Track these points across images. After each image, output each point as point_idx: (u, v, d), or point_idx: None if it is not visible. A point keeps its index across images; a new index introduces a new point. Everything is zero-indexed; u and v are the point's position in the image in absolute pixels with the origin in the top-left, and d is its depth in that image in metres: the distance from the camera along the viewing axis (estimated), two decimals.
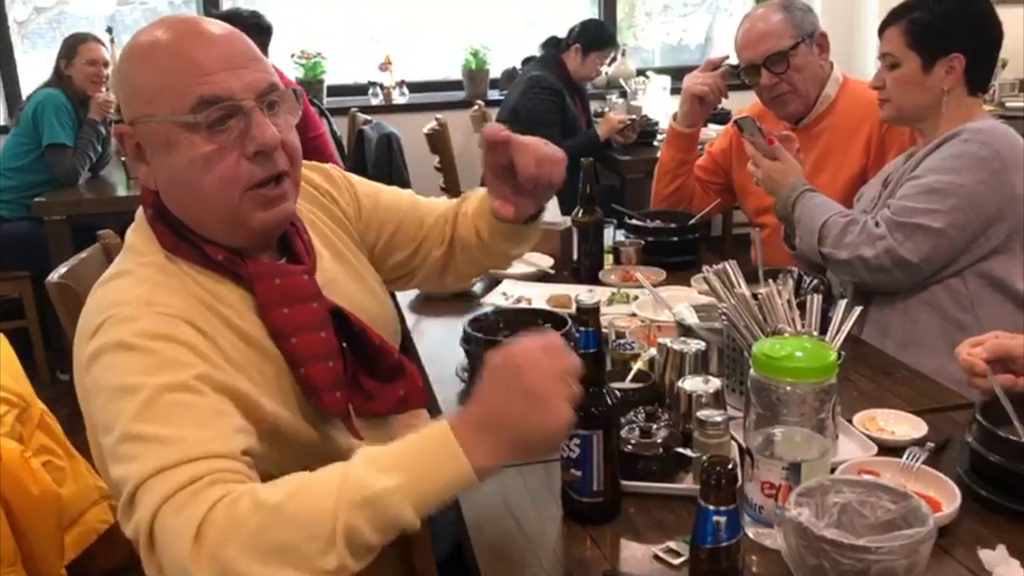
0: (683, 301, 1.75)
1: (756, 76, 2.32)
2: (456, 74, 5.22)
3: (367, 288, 1.44)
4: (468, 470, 0.97)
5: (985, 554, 1.10)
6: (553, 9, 5.28)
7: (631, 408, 1.37)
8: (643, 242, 2.28)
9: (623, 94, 4.89)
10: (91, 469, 1.91)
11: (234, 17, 3.71)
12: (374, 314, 1.39)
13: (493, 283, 2.14)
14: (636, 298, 1.98)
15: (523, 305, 1.99)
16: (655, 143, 4.14)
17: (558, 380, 0.99)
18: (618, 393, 1.37)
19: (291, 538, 0.92)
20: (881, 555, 0.96)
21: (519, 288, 2.11)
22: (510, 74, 4.95)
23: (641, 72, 5.09)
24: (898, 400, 1.54)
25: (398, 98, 5.06)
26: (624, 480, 1.24)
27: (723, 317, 1.50)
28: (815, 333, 1.39)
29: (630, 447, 1.28)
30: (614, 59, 4.84)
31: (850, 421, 1.41)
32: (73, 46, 3.96)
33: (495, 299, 2.04)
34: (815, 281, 1.74)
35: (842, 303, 1.42)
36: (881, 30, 1.95)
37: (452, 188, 4.28)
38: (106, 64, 4.00)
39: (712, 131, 3.59)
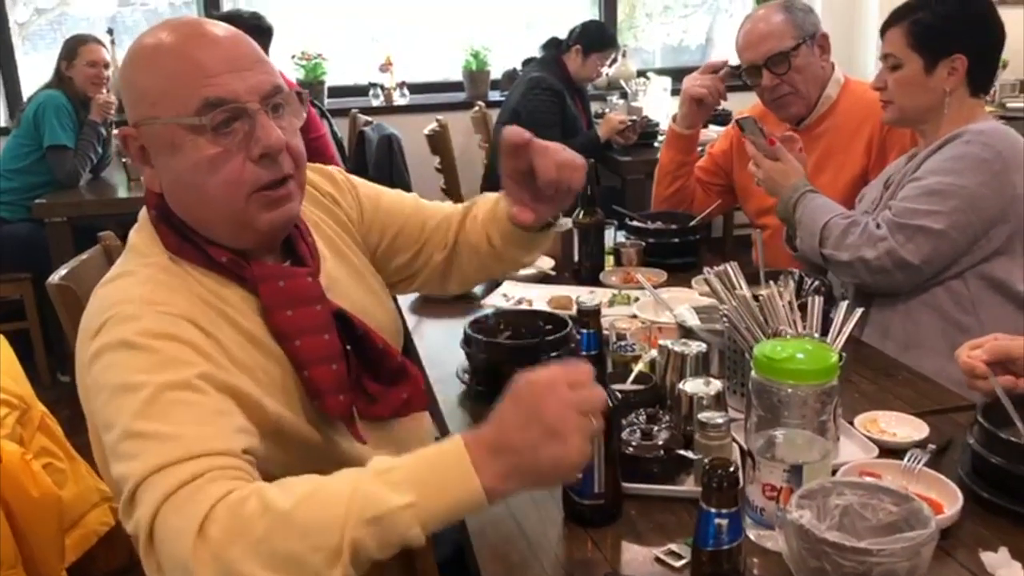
0: (684, 303, 1.75)
1: (757, 77, 2.31)
2: (457, 75, 5.22)
3: (370, 290, 1.44)
4: (479, 492, 0.95)
5: (987, 556, 1.10)
6: (553, 10, 5.28)
7: (632, 410, 1.36)
8: (644, 243, 2.28)
9: (624, 95, 4.89)
10: (92, 471, 1.91)
11: (234, 18, 3.71)
12: (377, 316, 1.38)
13: (494, 285, 2.14)
14: (637, 300, 1.98)
15: (524, 307, 1.99)
16: (656, 144, 4.14)
17: (578, 414, 0.97)
18: (619, 395, 1.37)
19: (298, 548, 0.92)
20: (883, 557, 0.95)
21: (520, 290, 2.11)
22: (511, 75, 4.95)
23: (642, 73, 5.10)
24: (899, 402, 1.54)
25: (399, 99, 5.06)
26: (625, 482, 1.24)
27: (724, 319, 1.49)
28: (816, 335, 1.39)
29: (631, 449, 1.28)
30: (615, 60, 4.84)
31: (851, 423, 1.41)
32: (74, 47, 3.96)
33: (496, 301, 2.04)
34: (816, 283, 1.74)
35: (843, 305, 1.42)
36: (883, 31, 1.95)
37: (453, 189, 4.29)
38: (107, 65, 4.00)
39: (713, 132, 3.59)
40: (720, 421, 1.27)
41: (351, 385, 1.26)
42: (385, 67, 5.04)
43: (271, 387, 1.18)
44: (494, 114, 4.55)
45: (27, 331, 3.82)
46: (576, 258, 2.24)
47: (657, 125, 4.27)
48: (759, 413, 1.20)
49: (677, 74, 4.08)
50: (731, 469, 0.98)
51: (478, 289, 2.11)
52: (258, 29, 3.58)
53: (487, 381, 1.62)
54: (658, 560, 1.14)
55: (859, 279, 1.89)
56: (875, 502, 1.07)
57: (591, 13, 5.32)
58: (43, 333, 3.86)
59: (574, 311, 1.61)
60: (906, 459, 1.27)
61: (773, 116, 2.39)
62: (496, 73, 5.17)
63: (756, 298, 1.45)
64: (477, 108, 4.66)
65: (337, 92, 4.99)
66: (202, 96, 1.12)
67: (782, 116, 2.37)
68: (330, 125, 4.12)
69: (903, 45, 1.89)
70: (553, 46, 4.33)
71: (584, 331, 1.26)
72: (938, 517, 1.07)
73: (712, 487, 0.98)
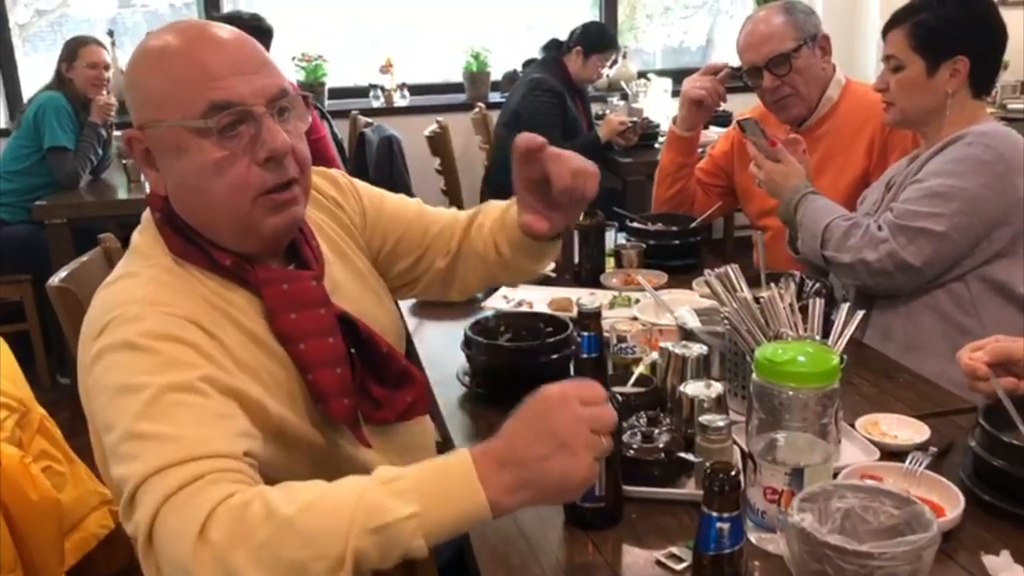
0: (685, 305, 1.74)
1: (758, 79, 2.31)
2: (457, 77, 5.22)
3: (373, 294, 1.44)
4: (484, 505, 0.95)
5: (989, 560, 1.09)
6: (554, 11, 5.29)
7: (633, 413, 1.36)
8: (644, 245, 2.28)
9: (624, 96, 4.90)
10: (91, 474, 1.91)
11: (235, 20, 3.71)
12: (380, 320, 1.38)
13: (494, 287, 2.13)
14: (638, 302, 1.98)
15: (524, 309, 1.99)
16: (656, 145, 4.14)
17: (588, 431, 0.97)
18: (620, 398, 1.37)
19: (301, 555, 0.91)
20: (884, 561, 0.95)
21: (520, 291, 2.10)
22: (511, 77, 4.95)
23: (642, 74, 5.10)
24: (901, 404, 1.53)
25: (399, 101, 5.06)
26: (626, 485, 1.24)
27: (725, 321, 1.49)
28: (817, 337, 1.39)
29: (632, 452, 1.28)
30: (615, 61, 4.84)
31: (852, 425, 1.41)
32: (74, 49, 3.96)
33: (496, 303, 2.04)
34: (817, 285, 1.74)
35: (844, 307, 1.42)
36: (885, 32, 1.94)
37: (453, 191, 4.29)
38: (107, 67, 4.00)
39: (713, 134, 3.58)
40: (721, 424, 1.26)
41: (356, 389, 1.26)
42: (385, 68, 5.04)
43: (275, 389, 1.17)
44: (494, 116, 4.56)
45: (27, 333, 3.82)
46: (576, 260, 2.24)
47: (658, 127, 4.27)
48: (760, 416, 1.20)
49: (678, 75, 4.07)
50: (732, 473, 0.98)
51: None
52: (258, 30, 3.58)
53: (487, 383, 1.62)
54: (659, 563, 1.13)
55: (860, 281, 1.89)
56: (876, 505, 1.06)
57: (591, 14, 5.32)
58: (43, 335, 3.86)
59: (574, 313, 1.60)
60: (907, 462, 1.27)
61: (774, 117, 2.39)
62: (496, 74, 5.17)
63: (757, 300, 1.44)
64: (477, 110, 4.66)
65: (337, 93, 4.99)
66: (208, 99, 1.12)
67: (783, 118, 2.37)
68: (330, 126, 4.12)
69: (905, 47, 1.88)
70: (554, 47, 4.33)
71: (584, 333, 1.25)
72: (940, 520, 1.07)
73: (713, 491, 0.98)
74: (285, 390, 1.19)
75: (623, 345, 1.58)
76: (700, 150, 2.61)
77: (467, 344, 1.64)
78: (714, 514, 0.98)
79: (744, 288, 1.48)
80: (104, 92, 3.97)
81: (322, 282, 1.27)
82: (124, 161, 4.03)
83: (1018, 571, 1.07)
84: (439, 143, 4.23)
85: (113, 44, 4.39)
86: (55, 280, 1.53)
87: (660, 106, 4.56)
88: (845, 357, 1.33)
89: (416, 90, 5.18)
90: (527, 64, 4.59)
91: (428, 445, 1.47)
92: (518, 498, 0.97)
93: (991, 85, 1.97)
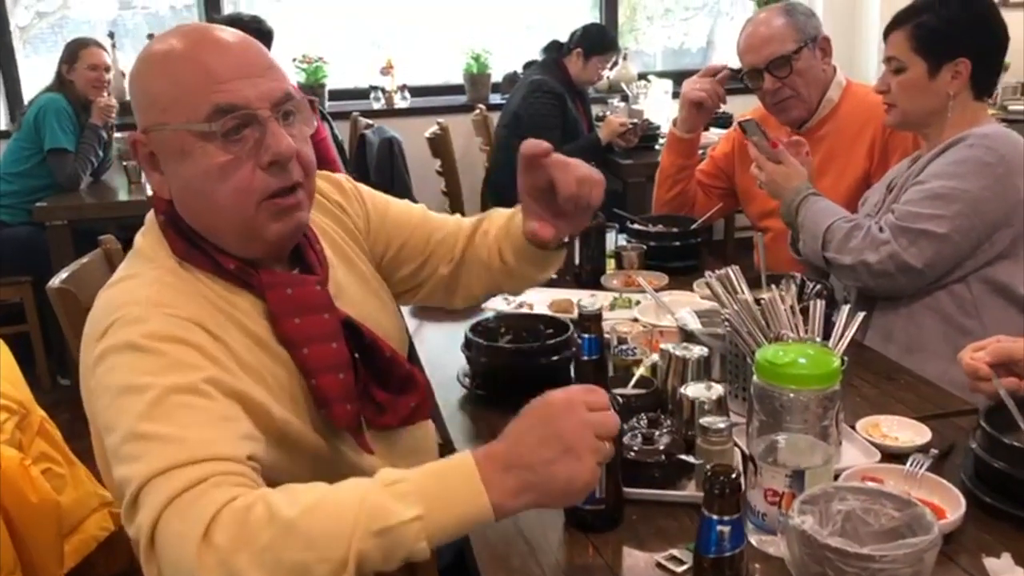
0: (685, 306, 1.74)
1: (759, 81, 2.31)
2: (457, 78, 5.22)
3: (377, 298, 1.43)
4: (488, 508, 0.95)
5: (990, 562, 1.09)
6: (554, 13, 5.29)
7: (633, 414, 1.36)
8: (645, 247, 2.28)
9: (624, 98, 4.90)
10: (91, 476, 1.90)
11: (235, 22, 3.71)
12: (384, 324, 1.38)
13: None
14: (638, 303, 1.98)
15: (525, 310, 1.99)
16: (657, 147, 4.14)
17: (594, 436, 0.98)
18: (620, 399, 1.37)
19: (304, 558, 0.91)
20: (885, 563, 0.95)
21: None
22: (511, 78, 4.96)
23: (642, 76, 5.10)
24: (902, 406, 1.53)
25: (399, 102, 5.06)
26: (626, 487, 1.24)
27: (726, 323, 1.49)
28: (818, 339, 1.39)
29: (632, 454, 1.28)
30: (615, 63, 4.84)
31: (853, 427, 1.41)
32: (75, 51, 3.96)
33: (497, 304, 2.04)
34: (818, 286, 1.74)
35: (845, 308, 1.42)
36: (886, 34, 1.94)
37: (454, 192, 4.29)
38: (108, 69, 4.00)
39: (714, 135, 3.58)
40: (722, 426, 1.26)
41: (359, 394, 1.25)
42: (386, 70, 5.04)
43: (279, 392, 1.17)
44: (495, 117, 4.56)
45: (27, 334, 3.82)
46: (577, 261, 2.24)
47: (658, 128, 4.28)
48: (761, 418, 1.20)
49: (678, 77, 4.07)
50: (733, 475, 0.98)
51: None
52: (259, 32, 3.58)
53: (488, 385, 1.62)
54: (659, 565, 1.13)
55: (862, 283, 1.89)
56: (877, 507, 1.06)
57: (592, 16, 5.32)
58: (43, 337, 3.86)
59: (575, 315, 1.60)
60: (908, 464, 1.27)
61: (774, 119, 2.39)
62: (497, 76, 5.17)
63: (758, 302, 1.44)
64: (478, 111, 4.67)
65: (338, 95, 4.99)
66: (212, 102, 1.11)
67: (784, 119, 2.37)
68: (331, 128, 4.12)
69: (907, 48, 1.88)
70: (554, 49, 4.33)
71: (585, 335, 1.26)
72: (941, 522, 1.07)
73: (714, 494, 0.98)
74: (288, 393, 1.19)
75: (624, 347, 1.58)
76: (700, 152, 2.61)
77: (467, 346, 1.64)
78: (715, 516, 0.98)
79: (745, 290, 1.48)
80: (105, 94, 3.97)
81: (326, 287, 1.27)
82: (125, 163, 4.04)
83: (1019, 573, 1.07)
84: (440, 145, 4.23)
85: (114, 46, 4.39)
86: (55, 282, 1.53)
87: (660, 108, 4.57)
88: (846, 359, 1.33)
89: (417, 92, 5.18)
90: (527, 66, 4.59)
91: (430, 448, 1.47)
92: (521, 501, 0.97)
93: (992, 87, 1.97)
